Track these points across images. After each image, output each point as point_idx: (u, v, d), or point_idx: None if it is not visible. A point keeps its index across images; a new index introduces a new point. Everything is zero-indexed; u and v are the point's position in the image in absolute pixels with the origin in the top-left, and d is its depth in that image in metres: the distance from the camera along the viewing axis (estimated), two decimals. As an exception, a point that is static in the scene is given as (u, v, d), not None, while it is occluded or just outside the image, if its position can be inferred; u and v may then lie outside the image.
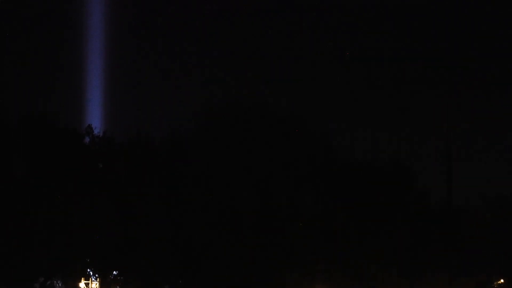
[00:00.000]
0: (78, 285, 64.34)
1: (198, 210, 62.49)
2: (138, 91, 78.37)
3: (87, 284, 65.27)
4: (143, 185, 62.12)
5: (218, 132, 67.41)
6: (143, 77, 79.39)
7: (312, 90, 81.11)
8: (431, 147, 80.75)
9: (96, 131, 64.05)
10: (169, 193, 62.66)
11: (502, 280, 79.38)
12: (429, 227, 73.08)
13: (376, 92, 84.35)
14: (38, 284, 60.53)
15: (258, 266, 63.90)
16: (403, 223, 71.20)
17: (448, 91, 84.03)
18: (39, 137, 60.85)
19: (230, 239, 62.82)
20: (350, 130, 78.88)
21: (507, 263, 76.38)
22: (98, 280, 64.83)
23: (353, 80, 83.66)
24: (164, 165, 63.90)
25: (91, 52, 74.69)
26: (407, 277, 73.26)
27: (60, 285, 62.56)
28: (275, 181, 66.27)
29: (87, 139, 63.80)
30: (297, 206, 66.53)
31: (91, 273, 64.63)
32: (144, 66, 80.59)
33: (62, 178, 59.69)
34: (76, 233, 58.98)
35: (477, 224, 78.03)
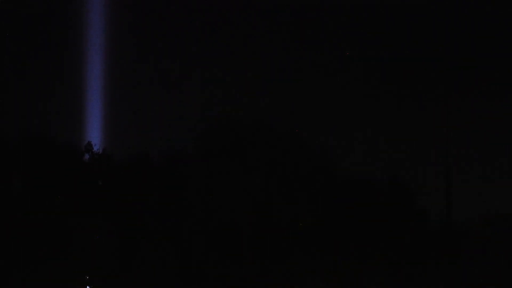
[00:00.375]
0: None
1: (197, 227, 62.47)
2: (138, 108, 78.31)
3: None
4: (143, 202, 62.14)
5: (217, 149, 67.47)
6: (143, 94, 79.38)
7: (311, 107, 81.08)
8: (430, 164, 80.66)
9: (95, 148, 64.39)
10: (168, 211, 62.65)
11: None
12: (428, 244, 73.00)
13: (375, 109, 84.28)
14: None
15: (257, 282, 63.85)
16: (401, 241, 71.13)
17: (448, 109, 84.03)
18: (38, 154, 60.92)
19: (228, 256, 62.78)
20: (349, 146, 78.79)
21: (506, 281, 76.24)
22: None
23: (353, 96, 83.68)
24: (163, 182, 63.92)
25: (91, 70, 74.75)
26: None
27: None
28: (273, 197, 66.27)
29: (86, 156, 63.98)
30: (296, 223, 66.49)
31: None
32: (144, 83, 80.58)
33: (61, 196, 59.69)
34: (74, 251, 58.91)
35: (477, 242, 77.91)
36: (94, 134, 69.71)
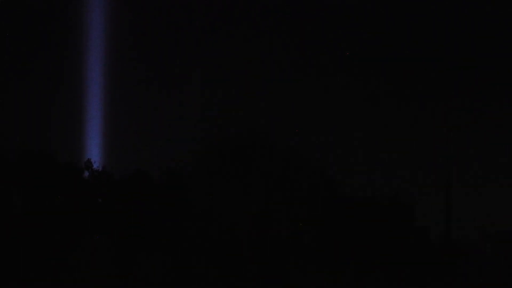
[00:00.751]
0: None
1: (197, 243, 62.43)
2: (137, 125, 78.47)
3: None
4: (143, 220, 62.12)
5: (218, 167, 67.49)
6: (142, 111, 79.56)
7: (312, 125, 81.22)
8: (430, 182, 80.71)
9: (95, 166, 64.46)
10: (168, 227, 62.64)
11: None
12: (429, 262, 72.95)
13: (377, 127, 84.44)
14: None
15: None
16: (402, 258, 71.07)
17: (448, 126, 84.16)
18: (38, 171, 60.97)
19: (228, 271, 62.71)
20: (349, 164, 78.86)
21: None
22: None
23: (354, 114, 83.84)
24: (163, 199, 63.91)
25: (90, 87, 74.96)
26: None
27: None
28: (274, 214, 66.25)
29: (86, 174, 64.01)
30: (296, 241, 66.46)
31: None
32: (144, 100, 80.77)
33: (61, 213, 59.71)
34: (74, 267, 58.89)
35: (477, 259, 77.88)
36: (94, 151, 69.86)
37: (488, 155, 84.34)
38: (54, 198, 60.08)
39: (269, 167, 68.78)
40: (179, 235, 63.14)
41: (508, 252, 77.43)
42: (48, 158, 62.56)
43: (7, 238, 58.32)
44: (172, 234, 63.03)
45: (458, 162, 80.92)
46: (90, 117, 73.43)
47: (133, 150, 74.82)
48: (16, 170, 61.22)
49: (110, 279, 60.91)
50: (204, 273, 62.29)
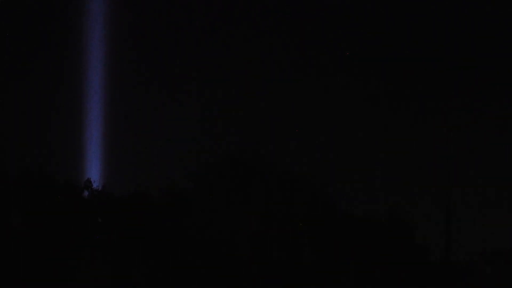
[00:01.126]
0: None
1: (197, 262, 62.41)
2: (137, 144, 78.53)
3: None
4: (142, 239, 62.10)
5: (217, 186, 67.52)
6: (143, 130, 79.64)
7: (311, 145, 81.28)
8: (430, 201, 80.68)
9: (95, 185, 64.45)
10: (167, 246, 62.60)
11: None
12: (428, 281, 72.88)
13: (376, 145, 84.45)
14: None
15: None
16: (401, 277, 71.00)
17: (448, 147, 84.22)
18: (38, 191, 60.98)
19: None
20: (349, 183, 78.81)
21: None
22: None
23: (353, 134, 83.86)
24: (163, 219, 63.89)
25: (90, 107, 75.06)
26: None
27: None
28: (273, 234, 66.26)
29: (86, 193, 64.02)
30: (296, 259, 66.47)
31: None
32: (144, 119, 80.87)
33: (61, 232, 59.67)
34: (74, 286, 58.84)
35: (476, 279, 77.77)
36: (94, 171, 69.82)
37: (490, 173, 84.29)
38: (53, 218, 60.02)
39: (268, 185, 68.82)
40: (178, 254, 63.10)
41: (508, 273, 77.31)
42: (48, 177, 62.58)
43: (6, 257, 58.24)
44: (171, 253, 63.00)
45: (459, 181, 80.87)
46: (90, 135, 73.47)
47: (133, 169, 74.84)
48: (16, 189, 61.19)
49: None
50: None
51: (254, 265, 64.22)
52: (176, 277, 62.16)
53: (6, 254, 58.00)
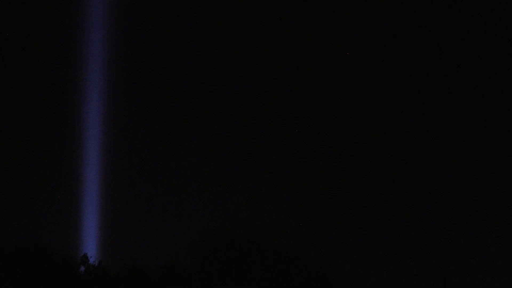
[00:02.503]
0: None
1: None
2: (133, 219, 78.36)
3: None
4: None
5: (213, 260, 67.36)
6: (138, 205, 79.52)
7: (307, 219, 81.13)
8: (427, 274, 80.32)
9: (91, 260, 64.17)
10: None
11: None
12: None
13: (372, 215, 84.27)
14: None
15: None
16: None
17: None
18: (33, 265, 60.65)
19: None
20: (345, 259, 78.48)
21: None
22: None
23: (349, 204, 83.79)
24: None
25: (88, 179, 75.10)
26: None
27: None
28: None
29: (82, 269, 63.77)
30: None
31: None
32: (140, 193, 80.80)
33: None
34: None
35: None
36: (90, 246, 69.60)
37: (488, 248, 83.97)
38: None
39: (264, 260, 68.64)
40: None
41: None
42: (44, 252, 62.32)
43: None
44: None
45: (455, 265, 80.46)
46: (86, 210, 73.40)
47: (129, 244, 74.52)
48: (9, 263, 60.78)
49: None
50: None
51: None
52: None
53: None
